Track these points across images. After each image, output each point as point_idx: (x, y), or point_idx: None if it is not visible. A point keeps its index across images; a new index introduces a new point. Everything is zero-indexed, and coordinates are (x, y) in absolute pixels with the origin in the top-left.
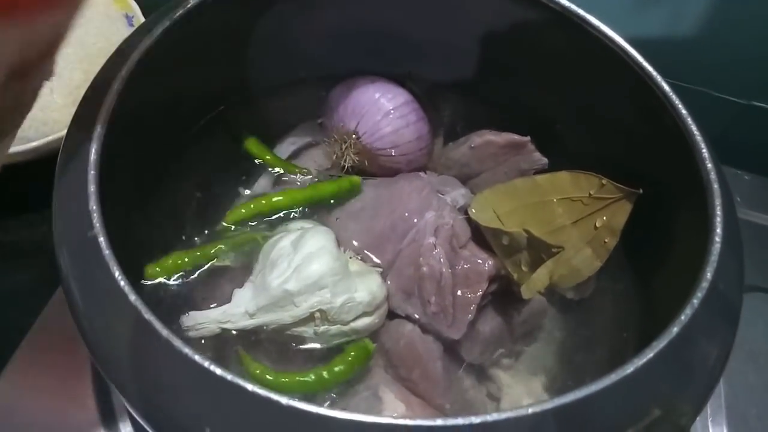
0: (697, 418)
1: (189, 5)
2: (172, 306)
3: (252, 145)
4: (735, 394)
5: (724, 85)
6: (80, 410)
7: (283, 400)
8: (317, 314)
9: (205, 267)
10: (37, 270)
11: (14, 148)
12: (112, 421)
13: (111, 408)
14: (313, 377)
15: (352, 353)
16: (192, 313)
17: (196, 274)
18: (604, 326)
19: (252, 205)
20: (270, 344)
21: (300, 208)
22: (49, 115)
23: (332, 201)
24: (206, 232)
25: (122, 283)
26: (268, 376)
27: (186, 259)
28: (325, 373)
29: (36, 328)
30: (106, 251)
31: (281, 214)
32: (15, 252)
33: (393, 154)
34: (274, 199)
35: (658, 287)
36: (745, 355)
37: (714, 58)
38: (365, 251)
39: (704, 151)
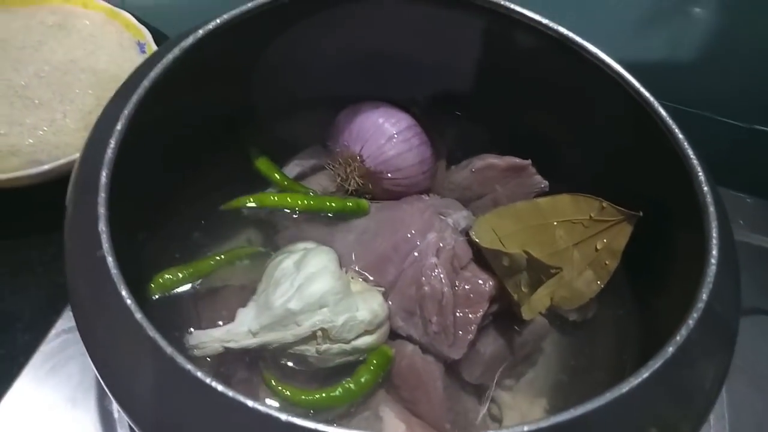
0: None
1: (199, 34)
2: (176, 325)
3: (262, 164)
4: (739, 418)
5: (726, 109)
6: (83, 427)
7: (282, 416)
8: (319, 333)
9: (209, 285)
10: (46, 290)
11: (27, 171)
12: None
13: (113, 426)
14: (340, 391)
15: (375, 361)
16: (196, 332)
17: (200, 293)
18: (605, 348)
19: (255, 198)
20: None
21: (298, 212)
22: (62, 139)
23: (330, 215)
24: (213, 250)
25: (129, 301)
26: (303, 396)
27: (181, 275)
28: (352, 385)
29: (44, 347)
30: (114, 271)
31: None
32: (25, 271)
33: (396, 177)
34: (275, 197)
35: (659, 309)
36: (749, 379)
37: (715, 82)
38: (367, 272)
39: (701, 175)
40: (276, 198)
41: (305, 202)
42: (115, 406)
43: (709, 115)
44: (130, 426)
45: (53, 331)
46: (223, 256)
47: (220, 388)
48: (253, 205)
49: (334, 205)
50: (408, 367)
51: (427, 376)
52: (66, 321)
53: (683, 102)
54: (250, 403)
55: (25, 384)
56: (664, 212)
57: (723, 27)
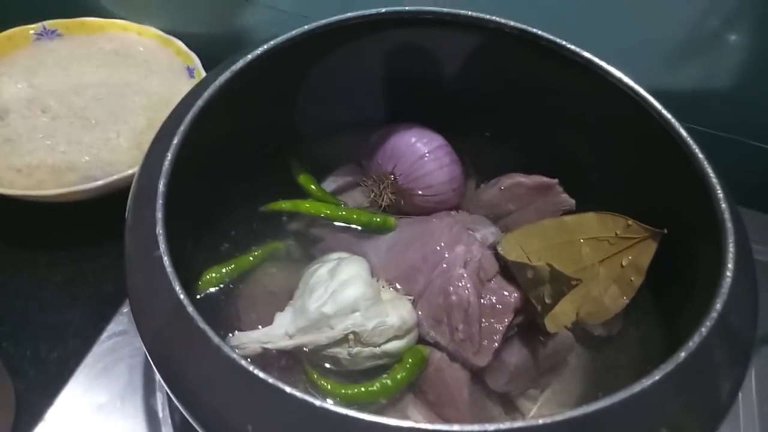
0: None
1: (245, 61)
2: (219, 327)
3: (302, 178)
4: None
5: (758, 134)
6: (130, 425)
7: (317, 402)
8: (351, 336)
9: (249, 291)
10: (96, 298)
11: (83, 186)
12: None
13: (158, 423)
14: (378, 386)
15: (410, 360)
16: (237, 333)
17: (241, 300)
18: (630, 363)
19: (291, 203)
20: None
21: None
22: (115, 157)
23: (359, 228)
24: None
25: (182, 296)
26: (342, 390)
27: (224, 270)
28: (388, 381)
29: (96, 348)
30: (169, 269)
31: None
32: (77, 280)
33: (427, 193)
34: (308, 205)
35: (682, 325)
36: None
37: (748, 108)
38: (397, 282)
39: (719, 191)
40: (309, 205)
41: (336, 212)
42: (160, 405)
43: (741, 139)
44: (173, 424)
45: (104, 335)
46: (260, 251)
47: (261, 374)
48: (288, 208)
49: (362, 218)
50: (435, 372)
51: (453, 381)
52: (116, 325)
53: (714, 126)
54: (288, 389)
55: (77, 384)
56: (686, 229)
57: (759, 53)
